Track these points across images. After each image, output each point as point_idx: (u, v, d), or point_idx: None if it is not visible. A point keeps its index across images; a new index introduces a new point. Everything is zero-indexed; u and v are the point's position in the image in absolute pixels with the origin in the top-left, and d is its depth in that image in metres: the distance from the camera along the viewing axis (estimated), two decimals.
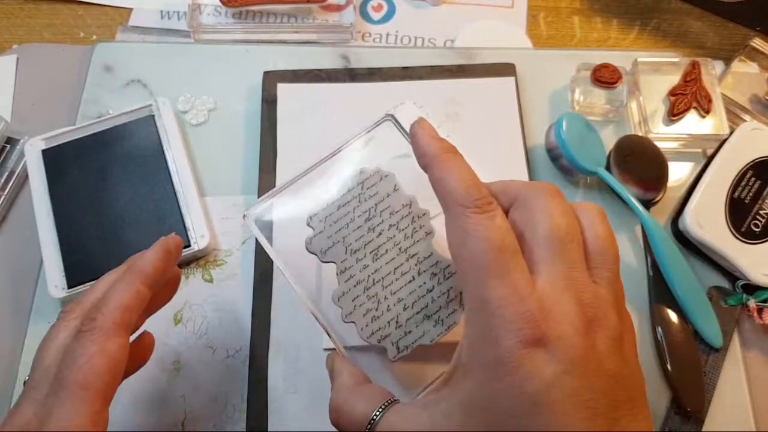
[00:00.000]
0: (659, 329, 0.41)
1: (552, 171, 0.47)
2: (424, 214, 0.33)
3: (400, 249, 0.33)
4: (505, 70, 0.50)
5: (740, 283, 0.43)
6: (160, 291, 0.34)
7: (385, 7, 0.57)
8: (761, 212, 0.44)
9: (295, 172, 0.46)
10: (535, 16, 0.57)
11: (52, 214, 0.44)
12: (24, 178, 0.47)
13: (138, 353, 0.34)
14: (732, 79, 0.51)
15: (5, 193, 0.46)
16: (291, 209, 0.35)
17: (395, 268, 0.32)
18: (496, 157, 0.47)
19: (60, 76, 0.51)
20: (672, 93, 0.48)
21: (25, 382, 0.29)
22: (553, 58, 0.52)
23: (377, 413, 0.26)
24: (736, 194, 0.44)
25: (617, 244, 0.27)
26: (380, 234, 0.33)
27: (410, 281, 0.32)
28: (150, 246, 0.33)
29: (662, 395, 0.40)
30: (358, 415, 0.27)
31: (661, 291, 0.42)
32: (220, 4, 0.54)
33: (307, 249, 0.33)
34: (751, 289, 0.43)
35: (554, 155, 0.46)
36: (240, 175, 0.47)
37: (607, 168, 0.45)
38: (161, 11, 0.56)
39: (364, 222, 0.33)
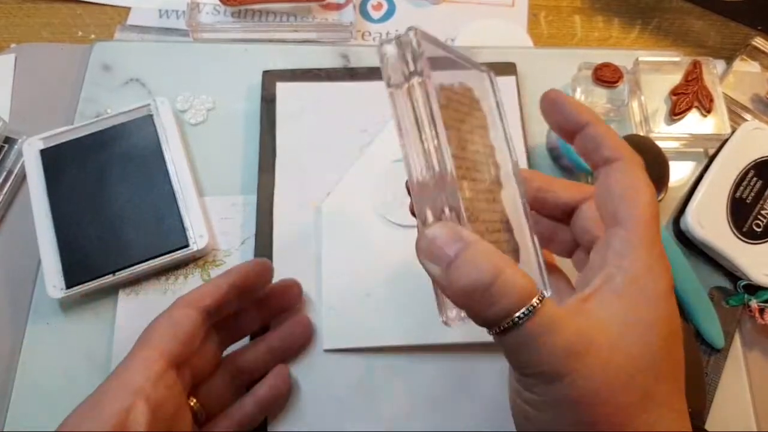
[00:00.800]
0: None
1: (553, 170, 0.47)
2: (499, 165, 0.31)
3: (483, 177, 0.30)
4: (506, 69, 0.50)
5: (742, 283, 0.43)
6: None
7: (385, 6, 0.57)
8: (763, 212, 0.44)
9: (296, 171, 0.46)
10: (536, 14, 0.57)
11: (51, 214, 0.43)
12: (22, 177, 0.47)
13: (274, 384, 0.38)
14: (733, 79, 0.51)
15: (3, 193, 0.46)
16: None
17: (481, 191, 0.29)
18: None
19: (58, 75, 0.51)
20: (673, 92, 0.48)
21: None
22: (554, 57, 0.52)
23: (543, 294, 0.24)
24: (738, 194, 0.44)
25: None
26: (474, 154, 0.30)
27: (487, 213, 0.29)
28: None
29: None
30: (524, 286, 0.24)
31: None
32: (219, 2, 0.54)
33: None
34: (753, 289, 0.43)
35: (555, 155, 0.46)
36: (239, 175, 0.47)
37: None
38: (160, 10, 0.56)
39: (467, 131, 0.30)
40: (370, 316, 0.41)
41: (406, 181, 0.28)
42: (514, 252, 0.30)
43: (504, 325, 0.24)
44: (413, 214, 0.28)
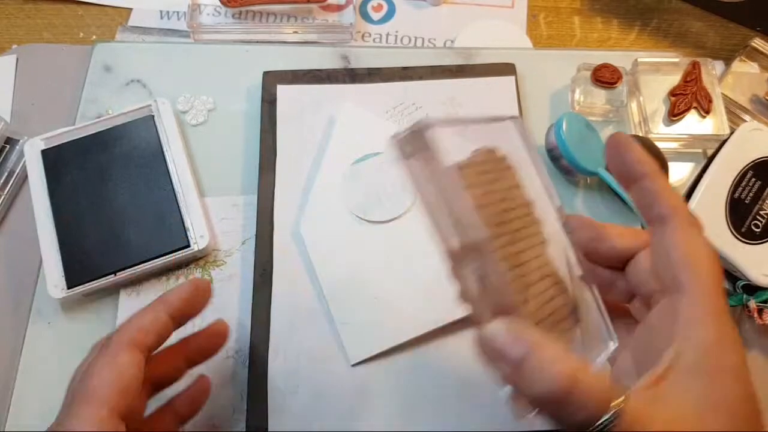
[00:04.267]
0: None
1: (552, 171, 0.47)
2: (540, 221, 0.29)
3: (527, 244, 0.28)
4: (505, 70, 0.50)
5: (740, 283, 0.43)
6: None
7: (385, 7, 0.57)
8: (761, 212, 0.44)
9: (298, 172, 0.46)
10: (536, 16, 0.57)
11: (52, 215, 0.44)
12: (23, 178, 0.47)
13: (194, 397, 0.36)
14: (732, 79, 0.51)
15: (5, 193, 0.46)
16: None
17: (526, 261, 0.28)
18: None
19: (60, 76, 0.51)
20: (672, 93, 0.48)
21: None
22: (553, 58, 0.52)
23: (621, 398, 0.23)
24: (737, 194, 0.44)
25: None
26: (512, 221, 0.28)
27: (538, 281, 0.28)
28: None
29: None
30: (603, 391, 0.23)
31: None
32: (219, 4, 0.54)
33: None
34: (752, 289, 0.43)
35: (554, 155, 0.46)
36: (240, 176, 0.47)
37: (607, 168, 0.45)
38: (161, 11, 0.56)
39: (500, 198, 0.28)
40: (385, 316, 0.41)
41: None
42: (573, 312, 0.29)
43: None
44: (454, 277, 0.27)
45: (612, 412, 0.22)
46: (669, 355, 0.24)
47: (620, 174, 0.27)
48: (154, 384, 0.35)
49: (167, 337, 0.33)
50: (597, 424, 0.22)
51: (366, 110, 0.48)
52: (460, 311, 0.40)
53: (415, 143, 0.26)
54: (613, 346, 0.27)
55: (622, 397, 0.23)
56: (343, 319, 0.41)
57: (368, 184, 0.44)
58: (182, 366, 0.36)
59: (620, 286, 0.30)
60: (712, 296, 0.25)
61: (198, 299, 0.34)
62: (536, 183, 0.30)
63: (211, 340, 0.37)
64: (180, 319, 0.34)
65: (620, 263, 0.29)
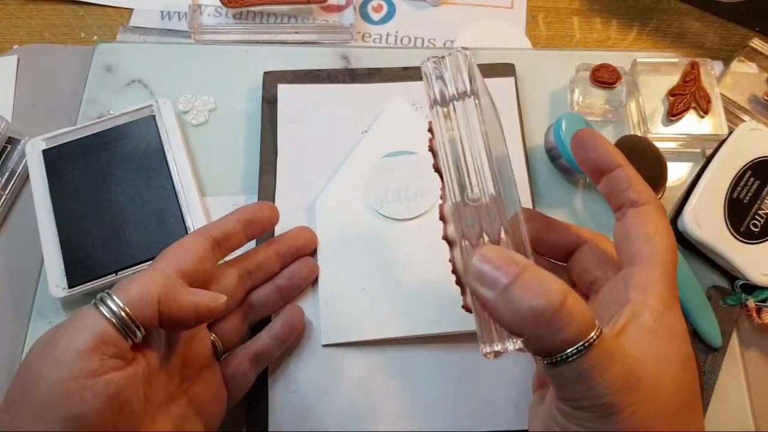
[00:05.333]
0: None
1: (551, 171, 0.47)
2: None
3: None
4: (505, 70, 0.50)
5: (739, 282, 0.43)
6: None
7: (385, 8, 0.57)
8: (760, 212, 0.44)
9: (297, 172, 0.46)
10: (535, 16, 0.57)
11: (53, 214, 0.44)
12: (25, 178, 0.47)
13: (301, 269, 0.41)
14: (731, 80, 0.51)
15: (6, 193, 0.47)
16: None
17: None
18: None
19: (61, 76, 0.52)
20: (671, 93, 0.49)
21: None
22: (552, 58, 0.52)
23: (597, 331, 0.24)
24: (735, 194, 0.44)
25: None
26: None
27: None
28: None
29: None
30: (588, 312, 0.23)
31: None
32: (220, 4, 0.54)
33: None
34: (750, 288, 0.43)
35: (553, 155, 0.46)
36: (240, 176, 0.47)
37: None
38: (162, 12, 0.56)
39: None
40: (366, 309, 0.41)
41: (440, 208, 0.28)
42: None
43: (567, 354, 0.22)
44: (445, 239, 0.28)
45: (585, 341, 0.23)
46: (626, 314, 0.26)
47: (593, 166, 0.29)
48: (251, 311, 0.39)
49: (237, 236, 0.37)
50: (569, 350, 0.23)
51: (414, 110, 0.48)
52: (439, 326, 0.40)
53: (458, 79, 0.27)
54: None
55: (598, 329, 0.23)
56: (327, 299, 0.41)
57: (392, 180, 0.44)
58: (276, 297, 0.40)
59: (562, 278, 0.31)
60: (669, 267, 0.27)
61: (263, 210, 0.39)
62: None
63: (301, 269, 0.41)
64: (247, 224, 0.38)
65: (563, 255, 0.32)
